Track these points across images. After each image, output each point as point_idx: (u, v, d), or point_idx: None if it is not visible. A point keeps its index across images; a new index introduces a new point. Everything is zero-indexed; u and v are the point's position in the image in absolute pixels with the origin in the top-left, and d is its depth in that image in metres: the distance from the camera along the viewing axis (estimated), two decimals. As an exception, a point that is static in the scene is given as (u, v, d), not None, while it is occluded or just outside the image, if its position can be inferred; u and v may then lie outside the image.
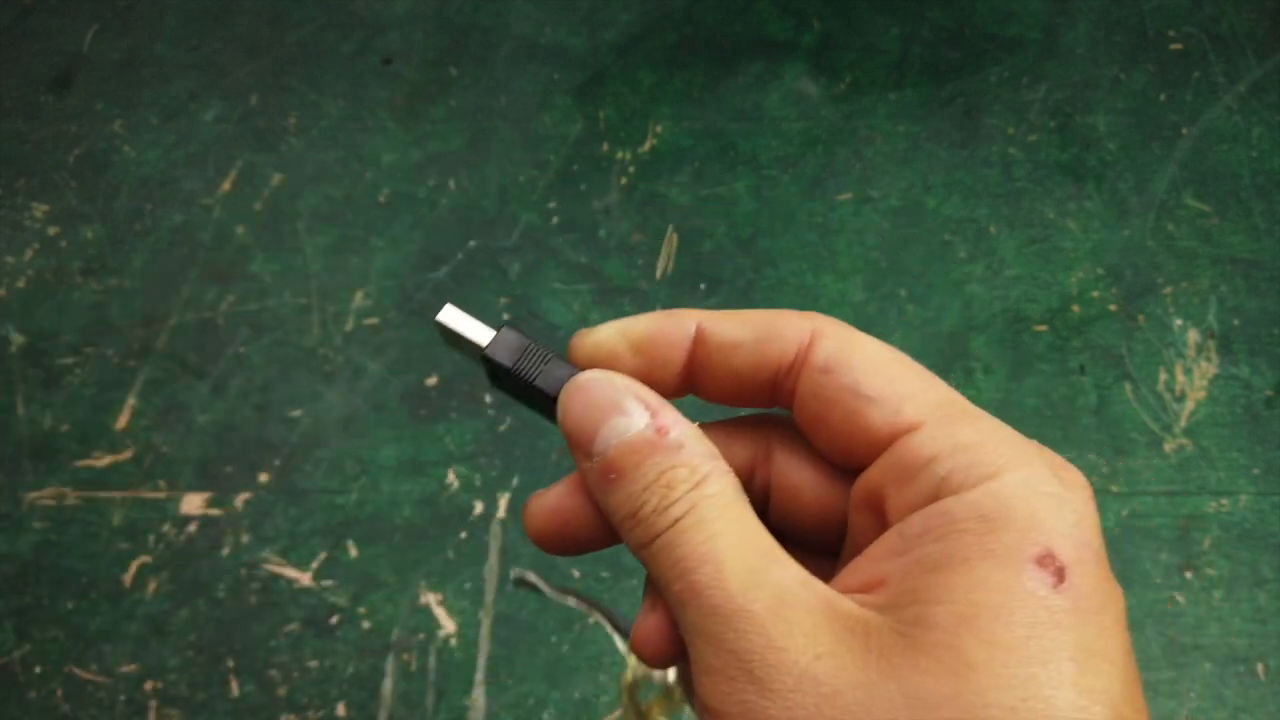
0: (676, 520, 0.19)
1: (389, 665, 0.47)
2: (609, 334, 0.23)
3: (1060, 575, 0.17)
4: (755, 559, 0.19)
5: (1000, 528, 0.18)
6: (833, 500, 0.23)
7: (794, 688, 0.17)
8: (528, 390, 0.23)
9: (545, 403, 0.23)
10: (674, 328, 0.22)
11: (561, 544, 0.23)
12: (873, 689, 0.17)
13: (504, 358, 0.23)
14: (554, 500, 0.23)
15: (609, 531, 0.22)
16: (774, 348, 0.22)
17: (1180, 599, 0.47)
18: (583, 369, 0.22)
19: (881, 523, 0.21)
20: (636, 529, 0.20)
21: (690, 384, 0.23)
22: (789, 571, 0.19)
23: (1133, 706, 0.17)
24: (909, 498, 0.20)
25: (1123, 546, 0.48)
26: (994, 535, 0.18)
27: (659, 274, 0.57)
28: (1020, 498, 0.18)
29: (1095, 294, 0.55)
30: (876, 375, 0.21)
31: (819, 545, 0.23)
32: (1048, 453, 0.20)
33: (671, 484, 0.20)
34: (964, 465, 0.19)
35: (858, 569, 0.20)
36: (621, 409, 0.21)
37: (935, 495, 0.19)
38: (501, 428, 0.52)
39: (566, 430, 0.21)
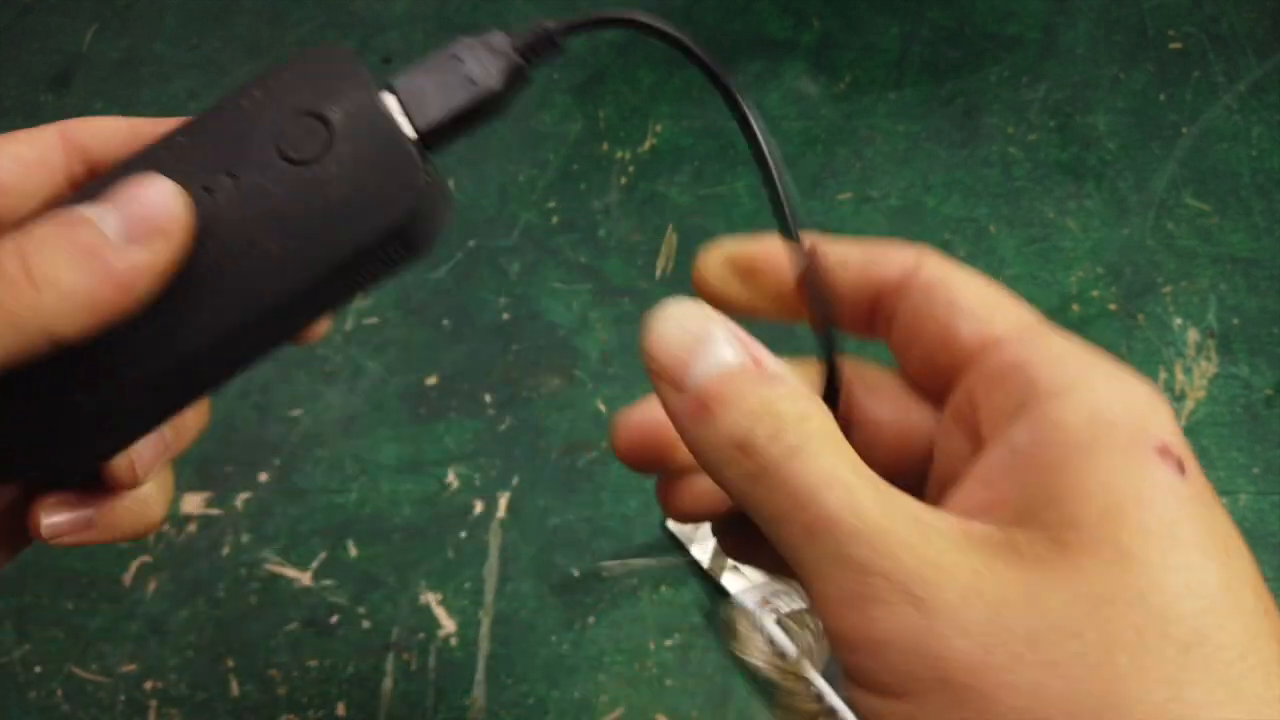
0: (792, 448, 0.18)
1: (389, 665, 0.47)
2: (714, 264, 0.23)
3: (1180, 466, 0.18)
4: (880, 486, 0.18)
5: (1115, 427, 0.18)
6: (917, 432, 0.23)
7: (960, 602, 0.17)
8: None
9: None
10: (782, 249, 0.23)
11: (650, 462, 0.23)
12: (1040, 595, 0.17)
13: None
14: (644, 414, 0.23)
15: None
16: (879, 269, 0.23)
17: (1180, 598, 0.47)
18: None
19: (975, 442, 0.21)
20: (745, 460, 0.19)
21: (798, 306, 0.24)
22: (913, 500, 0.19)
23: (1260, 581, 0.18)
24: (1002, 404, 0.20)
25: (1122, 546, 0.48)
26: (1112, 434, 0.18)
27: (659, 273, 0.57)
28: (1121, 399, 0.19)
29: (1095, 293, 0.55)
30: (972, 292, 0.22)
31: (901, 485, 0.23)
32: (1121, 364, 0.21)
33: (780, 414, 0.19)
34: (1056, 372, 0.19)
35: (970, 493, 0.19)
36: (714, 339, 0.20)
37: (1028, 400, 0.19)
38: (501, 427, 0.52)
39: (656, 360, 0.20)
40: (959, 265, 0.22)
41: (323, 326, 0.26)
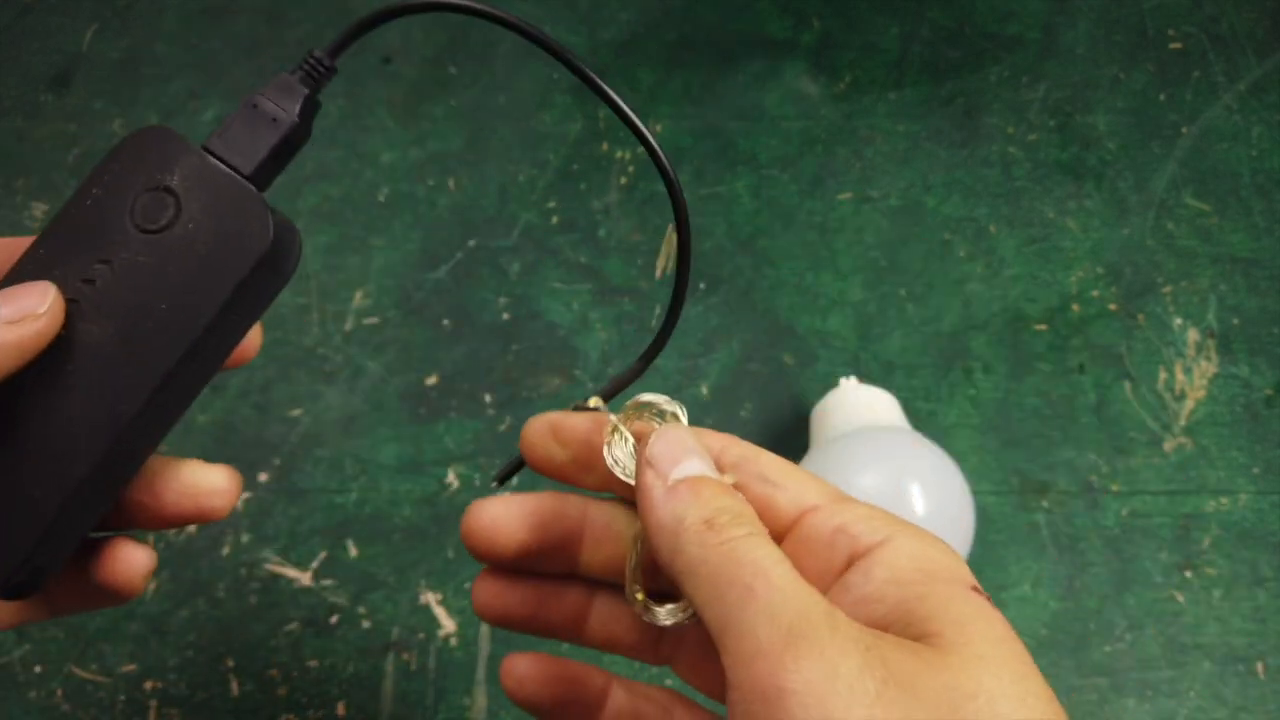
0: (749, 533, 0.23)
1: (389, 665, 0.47)
2: (537, 429, 0.28)
3: (989, 599, 0.23)
4: (805, 585, 0.22)
5: (936, 567, 0.23)
6: None
7: (857, 673, 0.20)
8: None
9: None
10: (587, 422, 0.28)
11: (503, 553, 0.28)
12: (919, 682, 0.20)
13: None
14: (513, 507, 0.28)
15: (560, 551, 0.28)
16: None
17: (1180, 598, 0.47)
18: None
19: None
20: (709, 534, 0.23)
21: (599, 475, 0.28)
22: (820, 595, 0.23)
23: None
24: (829, 559, 0.24)
25: (1122, 546, 0.48)
26: (935, 573, 0.23)
27: (659, 274, 0.57)
28: (929, 549, 0.24)
29: (1095, 293, 0.55)
30: (779, 467, 0.26)
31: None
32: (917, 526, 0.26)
33: (739, 511, 0.24)
34: (872, 528, 0.24)
35: None
36: (696, 455, 0.25)
37: (855, 553, 0.24)
38: (501, 427, 0.52)
39: (653, 457, 0.25)
40: (756, 447, 0.27)
41: (245, 355, 0.29)
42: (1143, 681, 0.45)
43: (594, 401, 0.28)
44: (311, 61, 0.27)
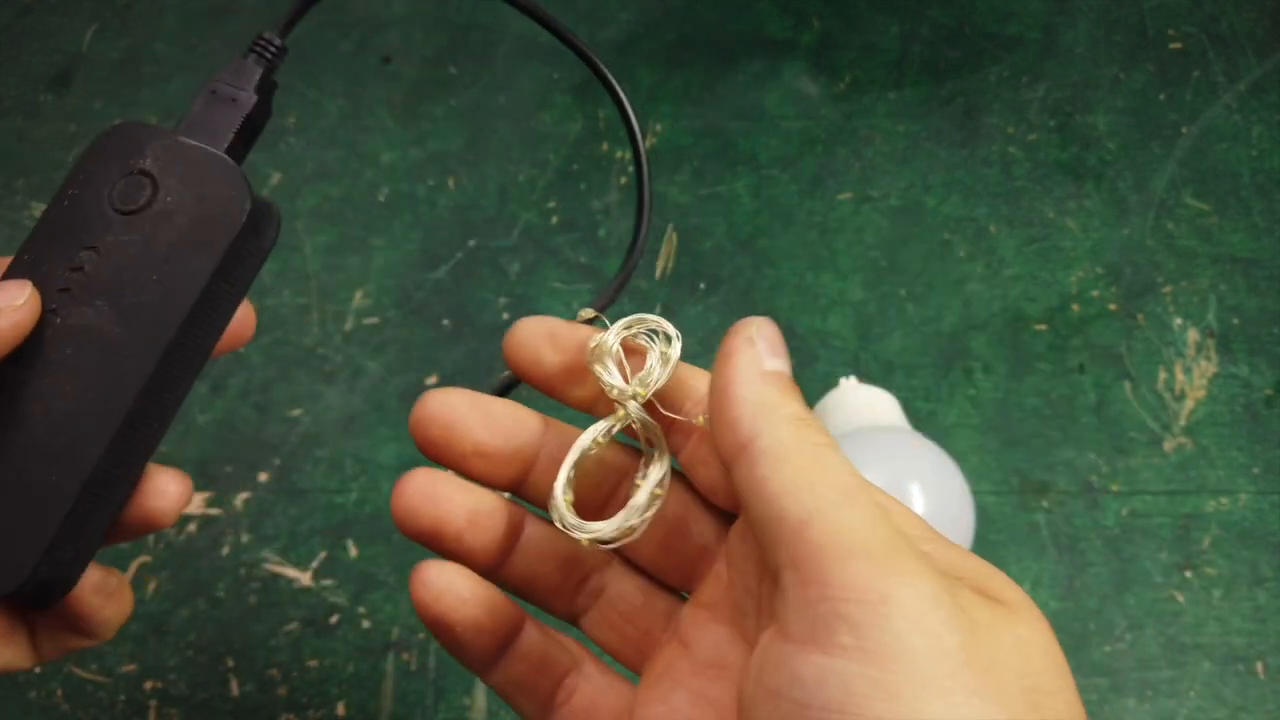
0: (837, 451, 0.22)
1: (389, 665, 0.47)
2: (528, 330, 0.27)
3: None
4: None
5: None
6: (697, 538, 0.27)
7: (951, 594, 0.20)
8: None
9: None
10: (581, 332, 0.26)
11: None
12: (996, 625, 0.20)
13: None
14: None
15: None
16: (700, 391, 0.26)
17: (1180, 598, 0.47)
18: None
19: (763, 566, 0.24)
20: (802, 428, 0.22)
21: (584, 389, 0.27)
22: None
23: None
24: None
25: (1122, 546, 0.48)
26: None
27: (659, 273, 0.57)
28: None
29: (1095, 293, 0.55)
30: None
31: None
32: None
33: (826, 433, 0.22)
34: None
35: None
36: (789, 365, 0.24)
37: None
38: (501, 427, 0.52)
39: (756, 335, 0.23)
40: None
41: (242, 335, 0.28)
42: (1143, 681, 0.45)
43: (588, 313, 0.27)
44: (261, 43, 0.28)
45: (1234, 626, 0.46)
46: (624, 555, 0.28)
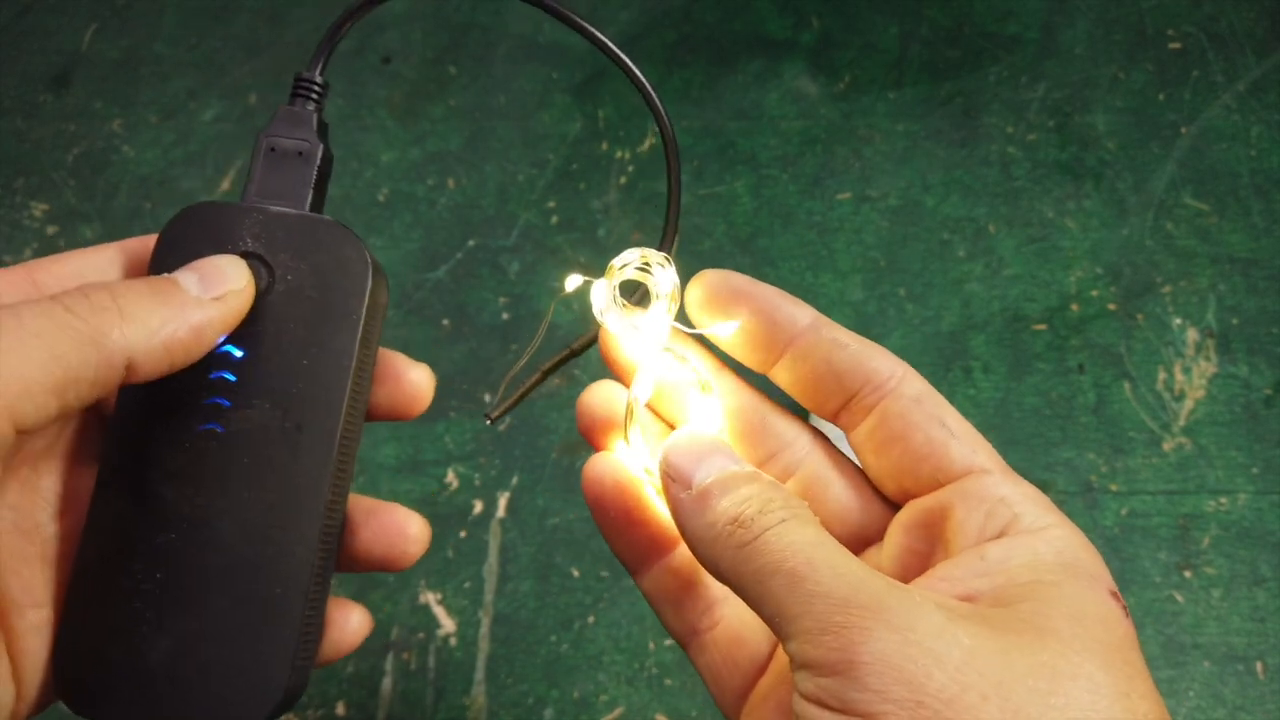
0: (780, 519, 0.22)
1: (389, 664, 0.47)
2: (711, 284, 0.28)
3: (1125, 609, 0.23)
4: (855, 560, 0.22)
5: (1079, 566, 0.23)
6: (862, 517, 0.27)
7: (936, 641, 0.20)
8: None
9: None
10: (791, 310, 0.28)
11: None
12: (1011, 655, 0.20)
13: None
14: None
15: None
16: (873, 362, 0.26)
17: (1179, 598, 0.47)
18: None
19: (932, 543, 0.25)
20: (739, 532, 0.22)
21: (772, 365, 0.27)
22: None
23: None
24: (982, 525, 0.24)
25: (1122, 546, 0.48)
26: (1076, 570, 0.23)
27: (658, 273, 0.57)
28: (1080, 547, 0.23)
29: (1094, 293, 0.55)
30: (958, 420, 0.25)
31: None
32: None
33: (768, 497, 0.23)
34: (1034, 512, 0.24)
35: (931, 584, 0.23)
36: (717, 452, 0.24)
37: (1009, 528, 0.24)
38: (501, 427, 0.52)
39: (671, 466, 0.24)
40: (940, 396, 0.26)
41: (421, 395, 0.28)
42: (1142, 681, 0.45)
43: (577, 279, 0.27)
44: (304, 84, 0.27)
45: (1233, 626, 0.46)
46: None
